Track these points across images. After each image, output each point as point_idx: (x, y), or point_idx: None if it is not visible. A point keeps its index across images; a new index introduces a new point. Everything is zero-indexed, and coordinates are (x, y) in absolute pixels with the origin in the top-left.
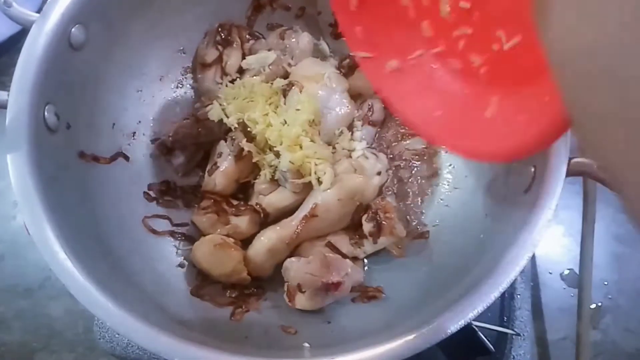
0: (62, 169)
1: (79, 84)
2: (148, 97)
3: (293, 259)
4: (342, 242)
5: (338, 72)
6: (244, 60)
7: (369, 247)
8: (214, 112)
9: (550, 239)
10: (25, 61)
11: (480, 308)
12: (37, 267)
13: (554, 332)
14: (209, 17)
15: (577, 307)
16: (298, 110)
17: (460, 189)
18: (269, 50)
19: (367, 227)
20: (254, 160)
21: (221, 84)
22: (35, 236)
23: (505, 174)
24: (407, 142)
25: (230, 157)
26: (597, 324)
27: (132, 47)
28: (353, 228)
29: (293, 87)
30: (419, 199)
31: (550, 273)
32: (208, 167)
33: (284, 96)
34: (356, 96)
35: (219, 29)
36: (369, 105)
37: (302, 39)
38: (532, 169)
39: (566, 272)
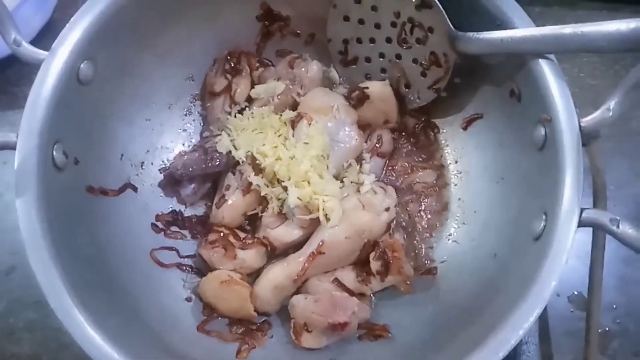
0: (70, 206)
1: (88, 118)
2: (157, 126)
3: (300, 296)
4: (349, 277)
5: (347, 103)
6: (252, 90)
7: (376, 284)
8: (222, 144)
9: None
10: (34, 102)
11: None
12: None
13: (560, 355)
14: (218, 45)
15: (585, 333)
16: (306, 144)
17: (469, 225)
18: (278, 79)
19: (374, 265)
20: (262, 194)
21: (230, 112)
22: (43, 282)
23: (515, 214)
24: (419, 174)
25: (238, 190)
26: (605, 349)
27: (140, 77)
28: (360, 264)
29: (302, 119)
30: (428, 233)
31: (558, 295)
32: (216, 200)
33: (293, 128)
34: (365, 126)
35: (228, 57)
36: (378, 136)
37: (311, 68)
38: (544, 216)
39: (574, 294)
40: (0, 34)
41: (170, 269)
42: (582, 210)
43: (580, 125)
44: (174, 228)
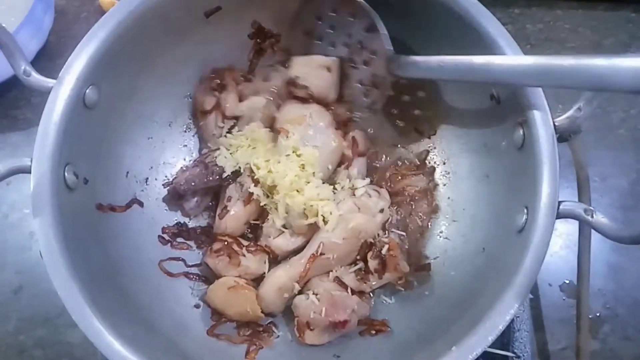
0: (82, 224)
1: (95, 141)
2: (158, 143)
3: (302, 296)
4: (349, 276)
5: (320, 108)
6: (236, 108)
7: (374, 281)
8: (221, 159)
9: (549, 251)
10: (45, 127)
11: (479, 350)
12: (55, 296)
13: (555, 342)
14: (212, 62)
15: (576, 320)
16: (288, 156)
17: (459, 222)
18: (257, 93)
19: (372, 264)
20: (261, 204)
21: (223, 127)
22: (64, 297)
23: (500, 209)
24: (410, 179)
25: (239, 201)
26: (596, 333)
27: (141, 99)
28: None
29: (279, 134)
30: (419, 233)
31: (550, 285)
32: (218, 211)
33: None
34: (345, 122)
35: (212, 75)
36: (352, 138)
37: (284, 77)
38: (525, 210)
39: (565, 283)
40: (11, 65)
41: (178, 278)
42: (559, 202)
43: (554, 125)
44: (179, 239)
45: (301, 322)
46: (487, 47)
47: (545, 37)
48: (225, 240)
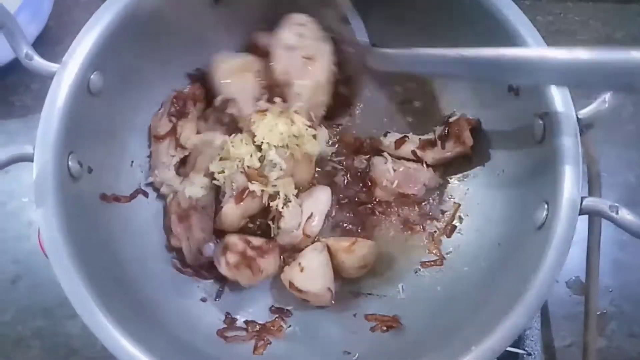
0: (86, 215)
1: (99, 128)
2: None
3: (381, 158)
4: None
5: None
6: (189, 140)
7: (438, 153)
8: (192, 190)
9: None
10: (48, 114)
11: (500, 350)
12: (54, 286)
13: (560, 339)
14: (219, 47)
15: (584, 317)
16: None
17: (472, 216)
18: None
19: (438, 130)
20: (263, 200)
21: (174, 156)
22: (67, 289)
23: (517, 204)
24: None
25: (231, 198)
26: (603, 330)
27: (146, 84)
28: None
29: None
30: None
31: (557, 281)
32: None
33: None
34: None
35: (174, 101)
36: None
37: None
38: (545, 205)
39: (572, 279)
40: (12, 48)
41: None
42: (582, 198)
43: (577, 117)
44: None
45: (373, 179)
46: (508, 36)
47: (556, 29)
48: (239, 251)
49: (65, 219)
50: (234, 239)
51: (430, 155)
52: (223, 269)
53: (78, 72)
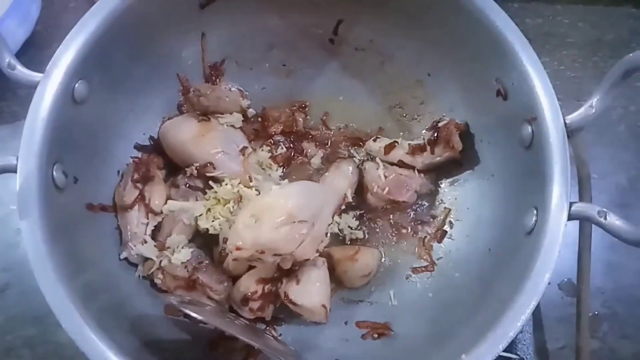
0: (72, 225)
1: (85, 137)
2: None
3: (373, 163)
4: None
5: None
6: (165, 205)
7: (427, 157)
8: (180, 255)
9: None
10: (32, 124)
11: (490, 358)
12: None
13: (553, 341)
14: (207, 53)
15: (576, 319)
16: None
17: (463, 221)
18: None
19: (427, 134)
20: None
21: (147, 224)
22: (51, 302)
23: (506, 210)
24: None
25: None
26: (595, 332)
27: (134, 92)
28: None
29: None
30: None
31: (549, 283)
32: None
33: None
34: None
35: (136, 167)
36: None
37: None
38: (534, 211)
39: (564, 281)
40: None
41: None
42: (570, 204)
43: (565, 123)
44: None
45: (364, 185)
46: (497, 42)
47: (546, 31)
48: (258, 295)
49: (50, 230)
50: (247, 283)
51: (420, 160)
52: (249, 316)
53: (62, 81)
